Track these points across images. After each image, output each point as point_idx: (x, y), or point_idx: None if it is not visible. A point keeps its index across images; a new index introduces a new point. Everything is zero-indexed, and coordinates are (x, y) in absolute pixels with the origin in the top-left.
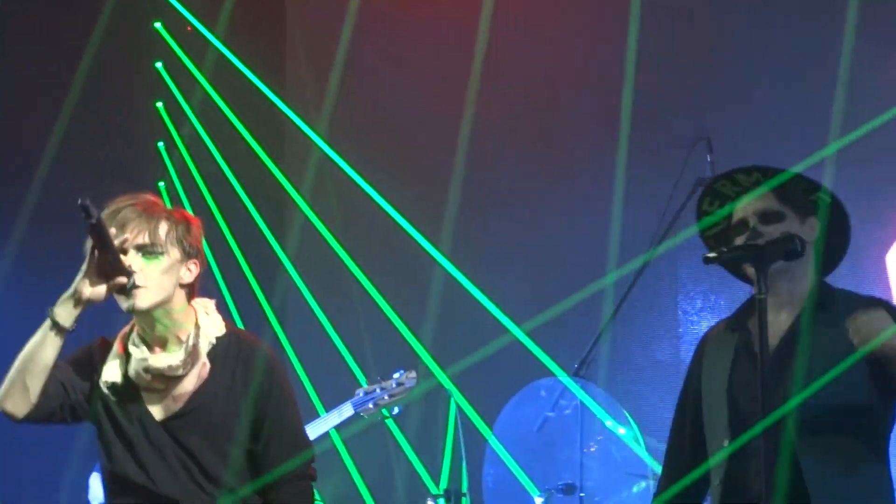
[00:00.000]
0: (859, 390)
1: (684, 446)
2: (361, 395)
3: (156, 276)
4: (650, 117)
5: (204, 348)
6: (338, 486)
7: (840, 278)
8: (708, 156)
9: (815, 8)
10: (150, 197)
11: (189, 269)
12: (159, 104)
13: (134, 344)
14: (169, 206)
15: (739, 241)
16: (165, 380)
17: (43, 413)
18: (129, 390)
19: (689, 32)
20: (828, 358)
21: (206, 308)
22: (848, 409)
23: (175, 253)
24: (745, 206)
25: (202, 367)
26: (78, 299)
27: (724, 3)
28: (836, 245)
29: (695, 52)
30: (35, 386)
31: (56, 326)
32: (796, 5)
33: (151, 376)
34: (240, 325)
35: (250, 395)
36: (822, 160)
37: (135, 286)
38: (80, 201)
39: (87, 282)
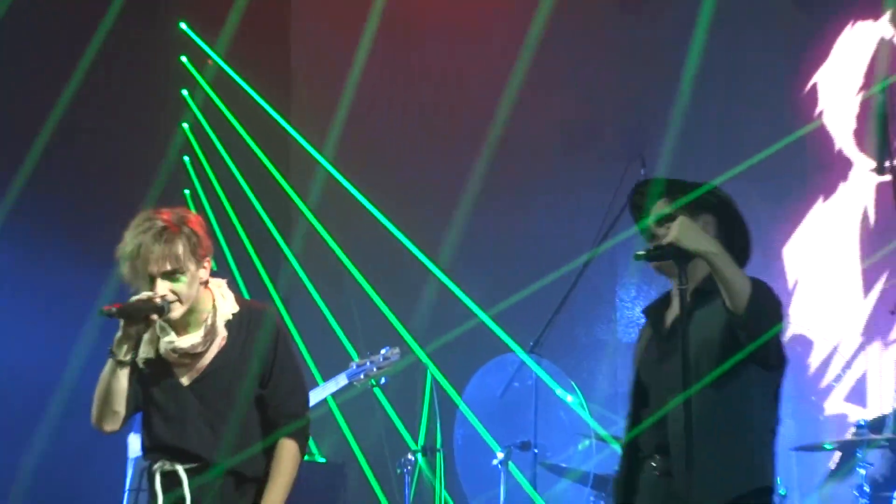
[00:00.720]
0: (727, 364)
1: (633, 415)
2: (354, 367)
3: (184, 292)
4: (595, 138)
5: (221, 325)
6: (333, 444)
7: (752, 269)
8: (642, 170)
9: (733, 43)
10: (158, 219)
11: (205, 267)
12: (185, 125)
13: (162, 328)
14: (172, 211)
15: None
16: (190, 356)
17: (130, 416)
18: (161, 365)
19: (628, 67)
20: (703, 336)
21: (220, 290)
22: (720, 381)
23: (192, 266)
24: (650, 214)
25: (221, 340)
26: (128, 337)
27: (660, 42)
28: (731, 237)
29: (631, 84)
30: (121, 407)
31: (120, 364)
32: (718, 42)
33: (178, 355)
34: None
35: (259, 350)
36: (738, 172)
37: (169, 304)
38: (101, 311)
39: (131, 325)
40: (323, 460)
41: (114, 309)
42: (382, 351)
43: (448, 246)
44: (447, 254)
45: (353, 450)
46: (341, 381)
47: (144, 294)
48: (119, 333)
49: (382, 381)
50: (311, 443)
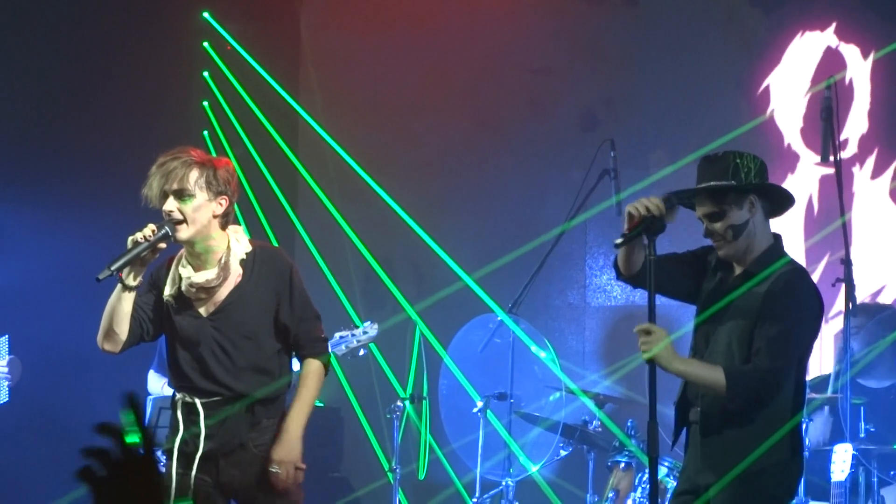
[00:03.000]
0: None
1: None
2: (337, 338)
3: (189, 213)
4: (571, 123)
5: (235, 264)
6: (331, 390)
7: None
8: (611, 152)
9: (698, 44)
10: (191, 150)
11: (220, 204)
12: (205, 103)
13: (182, 266)
14: (207, 152)
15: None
16: (207, 290)
17: (129, 344)
18: (183, 300)
19: (603, 63)
20: (737, 317)
21: (236, 234)
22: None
23: (203, 195)
24: (698, 210)
25: (236, 277)
26: (135, 264)
27: (632, 41)
28: (775, 203)
29: (604, 77)
30: (122, 330)
31: (126, 288)
32: (684, 40)
33: (196, 289)
34: None
35: (276, 283)
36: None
37: (175, 222)
38: (99, 278)
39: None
40: (321, 405)
41: (111, 271)
42: (365, 324)
43: (438, 216)
44: (437, 223)
45: (349, 396)
46: None
47: (133, 237)
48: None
49: (361, 353)
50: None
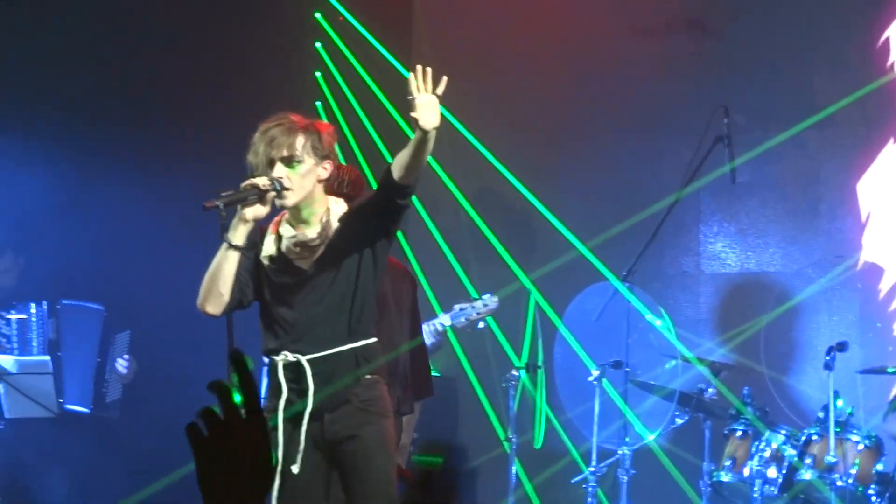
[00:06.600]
0: None
1: None
2: (457, 310)
3: (297, 180)
4: (686, 90)
5: (335, 222)
6: (446, 360)
7: (815, 208)
8: (725, 119)
9: (807, 5)
10: (291, 116)
11: (324, 168)
12: (318, 73)
13: (284, 227)
14: (306, 117)
15: None
16: (309, 248)
17: (231, 307)
18: (283, 259)
19: (716, 31)
20: None
21: (336, 202)
22: None
23: (310, 160)
24: None
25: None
26: (244, 221)
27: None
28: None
29: (719, 46)
30: (226, 290)
31: (232, 247)
32: (796, 4)
33: (299, 248)
34: None
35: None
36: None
37: (283, 188)
38: (205, 206)
39: (246, 210)
40: (437, 374)
41: (217, 204)
42: (485, 297)
43: (553, 185)
44: (552, 192)
45: (464, 366)
46: (446, 321)
47: (249, 181)
48: (236, 218)
49: (481, 325)
50: None
